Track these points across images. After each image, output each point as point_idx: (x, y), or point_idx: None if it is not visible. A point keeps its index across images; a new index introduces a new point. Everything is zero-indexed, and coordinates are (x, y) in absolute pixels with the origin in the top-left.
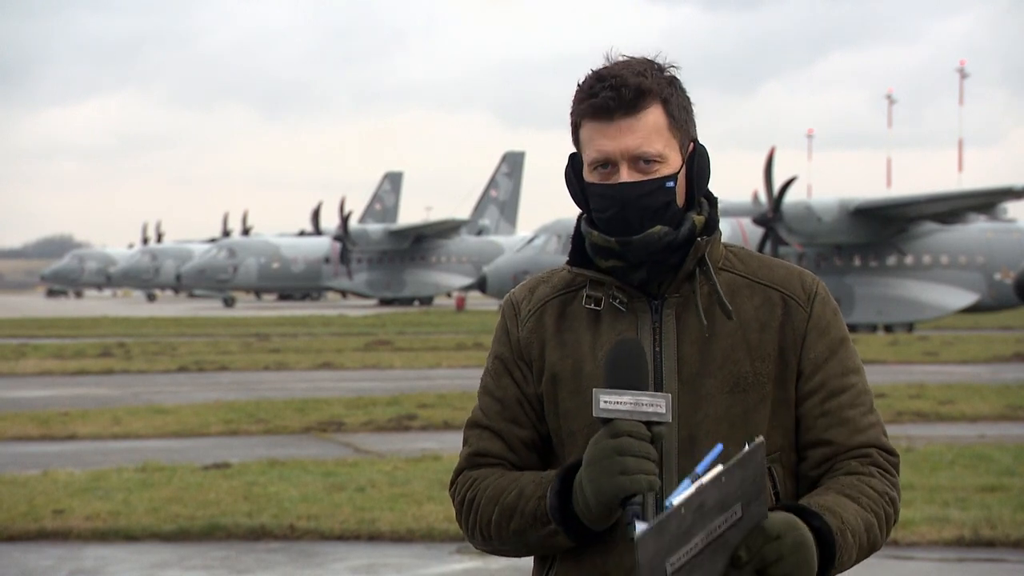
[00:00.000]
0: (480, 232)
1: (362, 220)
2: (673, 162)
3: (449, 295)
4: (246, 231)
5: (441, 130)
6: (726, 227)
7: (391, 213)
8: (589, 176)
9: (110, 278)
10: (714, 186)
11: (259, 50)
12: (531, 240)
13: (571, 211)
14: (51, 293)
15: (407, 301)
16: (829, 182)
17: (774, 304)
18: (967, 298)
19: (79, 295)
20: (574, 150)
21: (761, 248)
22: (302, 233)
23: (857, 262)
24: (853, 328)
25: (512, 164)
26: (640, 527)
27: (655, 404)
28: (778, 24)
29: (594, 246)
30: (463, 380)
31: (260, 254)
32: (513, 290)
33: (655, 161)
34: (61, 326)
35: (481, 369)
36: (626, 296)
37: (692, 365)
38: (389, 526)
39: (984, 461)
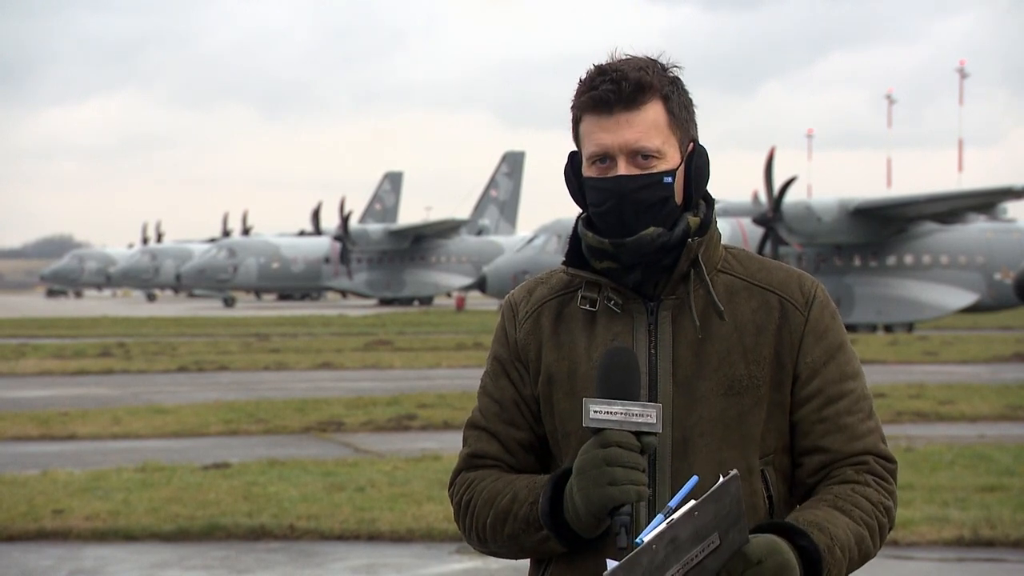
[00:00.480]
0: (480, 232)
1: (362, 220)
2: (671, 159)
3: (449, 295)
4: (246, 231)
5: (441, 130)
6: (726, 227)
7: (391, 213)
8: (587, 171)
9: (110, 278)
10: (714, 186)
11: (259, 50)
12: (531, 240)
13: (571, 211)
14: (51, 293)
15: (407, 301)
16: (829, 182)
17: (771, 307)
18: (967, 298)
19: (79, 295)
20: (574, 148)
21: (761, 248)
22: (302, 233)
23: (857, 262)
24: (853, 328)
25: (512, 164)
26: (611, 565)
27: (645, 414)
28: (778, 24)
29: (589, 247)
30: (463, 380)
31: (260, 254)
32: (512, 291)
33: (653, 156)
34: (61, 326)
35: (481, 369)
36: (621, 298)
37: (687, 367)
38: (389, 526)
39: (984, 461)
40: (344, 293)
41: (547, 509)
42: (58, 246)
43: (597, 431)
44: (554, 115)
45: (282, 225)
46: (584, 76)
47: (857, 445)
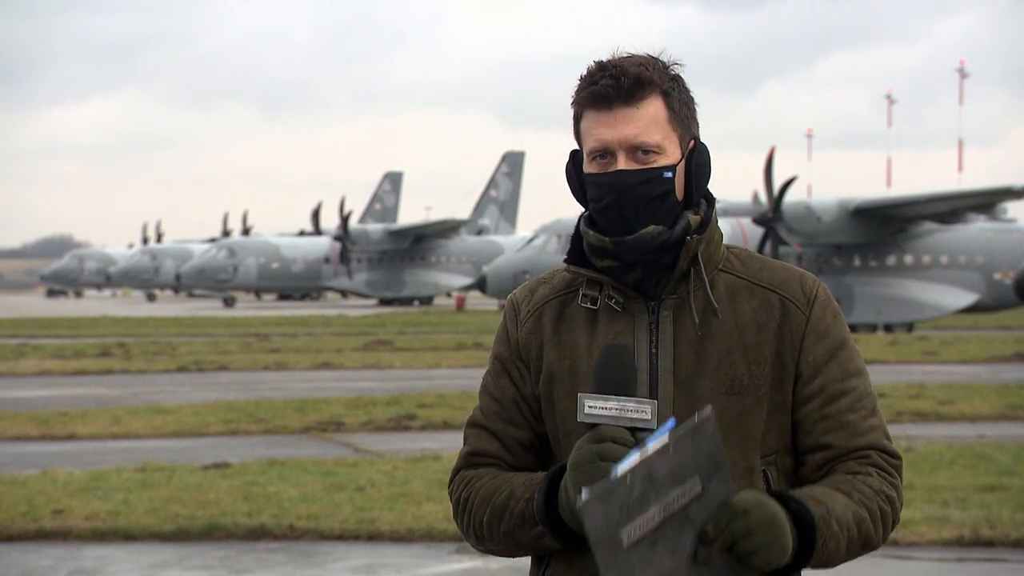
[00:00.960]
0: (480, 232)
1: (362, 220)
2: (671, 154)
3: (449, 295)
4: (246, 231)
5: (441, 130)
6: (726, 227)
7: (391, 213)
8: (588, 167)
9: (110, 278)
10: (714, 186)
11: (259, 50)
12: (531, 240)
13: (571, 211)
14: (51, 293)
15: (407, 301)
16: (829, 182)
17: (772, 307)
18: (967, 298)
19: (79, 295)
20: (575, 147)
21: (761, 248)
22: (302, 233)
23: (857, 262)
24: (853, 328)
25: (512, 164)
26: (585, 494)
27: (640, 410)
28: (778, 24)
29: (590, 245)
30: (463, 380)
31: (260, 254)
32: (515, 290)
33: (653, 151)
34: (61, 326)
35: (481, 369)
36: (622, 296)
37: (688, 367)
38: (389, 526)
39: (984, 461)
40: (344, 293)
41: (542, 505)
42: (58, 246)
43: (592, 427)
44: (554, 115)
45: (282, 225)
46: (584, 72)
47: (860, 441)
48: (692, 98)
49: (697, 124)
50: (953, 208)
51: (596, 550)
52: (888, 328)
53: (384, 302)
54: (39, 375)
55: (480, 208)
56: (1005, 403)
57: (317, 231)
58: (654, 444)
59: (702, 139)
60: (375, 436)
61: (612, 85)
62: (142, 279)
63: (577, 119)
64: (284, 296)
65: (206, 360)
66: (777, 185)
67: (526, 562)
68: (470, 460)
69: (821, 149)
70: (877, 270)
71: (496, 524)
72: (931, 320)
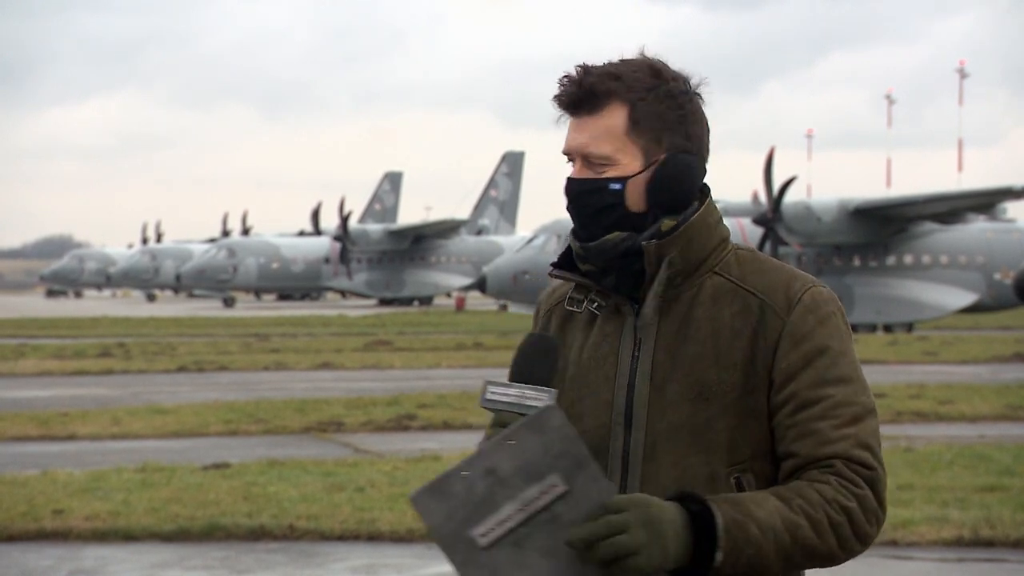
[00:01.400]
0: (480, 232)
1: (362, 220)
2: (626, 166)
3: (449, 295)
4: (246, 231)
5: (441, 130)
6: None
7: (391, 213)
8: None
9: (110, 278)
10: (714, 186)
11: (259, 50)
12: (531, 240)
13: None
14: (51, 293)
15: (407, 301)
16: (829, 182)
17: (750, 312)
18: (967, 298)
19: (79, 295)
20: None
21: (761, 247)
22: (302, 233)
23: (857, 262)
24: (853, 328)
25: (512, 164)
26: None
27: (538, 398)
28: (778, 24)
29: (574, 253)
30: (463, 380)
31: (260, 254)
32: (545, 289)
33: (603, 162)
34: (61, 326)
35: (481, 369)
36: (606, 300)
37: (663, 370)
38: (389, 526)
39: (983, 461)
40: (344, 293)
41: None
42: (58, 246)
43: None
44: (554, 115)
45: (282, 225)
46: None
47: (825, 450)
48: (682, 109)
49: (686, 135)
50: (953, 208)
51: (446, 550)
52: (888, 328)
53: (384, 302)
54: (39, 375)
55: (480, 208)
56: (1005, 403)
57: (317, 231)
58: (493, 439)
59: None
60: (375, 436)
61: (570, 92)
62: (142, 279)
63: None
64: (284, 296)
65: (206, 360)
66: (777, 185)
67: None
68: None
69: (821, 149)
70: (877, 270)
71: None
72: (931, 320)
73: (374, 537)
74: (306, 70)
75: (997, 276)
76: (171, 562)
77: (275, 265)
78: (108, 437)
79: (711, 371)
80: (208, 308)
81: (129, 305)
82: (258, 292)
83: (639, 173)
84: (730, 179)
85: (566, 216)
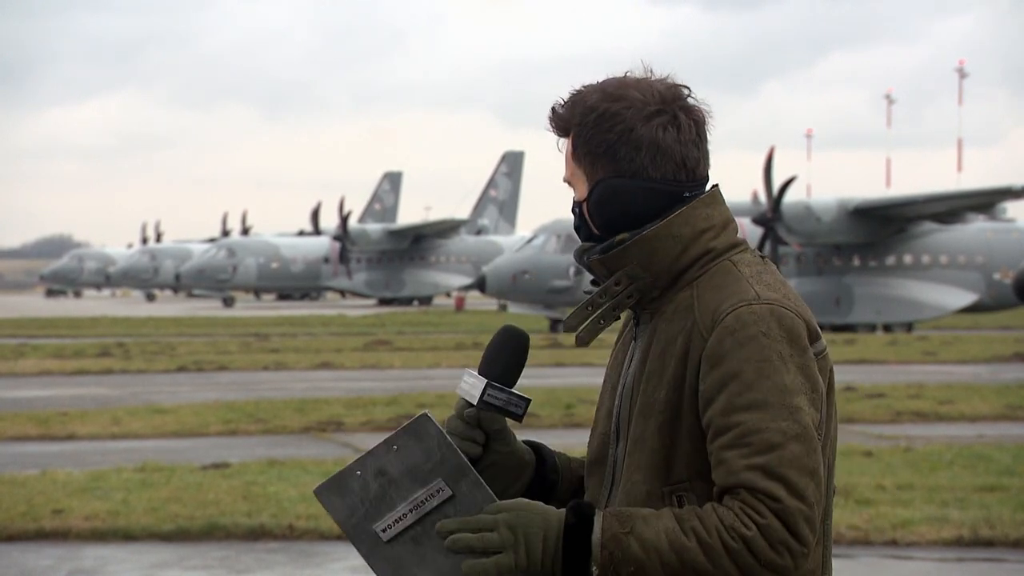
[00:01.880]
0: (479, 232)
1: (361, 220)
2: (579, 190)
3: (448, 295)
4: (245, 231)
5: (441, 130)
6: None
7: (390, 213)
8: None
9: (109, 278)
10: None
11: (259, 50)
12: (530, 240)
13: (571, 211)
14: (50, 293)
15: (406, 301)
16: (828, 182)
17: (686, 330)
18: (966, 298)
19: (78, 295)
20: None
21: (760, 247)
22: (301, 233)
23: (856, 262)
24: (852, 328)
25: (511, 164)
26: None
27: (476, 387)
28: (778, 24)
29: None
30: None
31: (259, 254)
32: None
33: (571, 186)
34: (60, 326)
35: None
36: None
37: (637, 383)
38: None
39: (983, 461)
40: (343, 293)
41: None
42: (58, 246)
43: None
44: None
45: (281, 225)
46: None
47: (731, 480)
48: (611, 132)
49: (611, 158)
50: (953, 208)
51: (353, 541)
52: (888, 328)
53: (383, 302)
54: (39, 375)
55: (480, 208)
56: (1005, 403)
57: (316, 231)
58: (378, 443)
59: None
60: (375, 436)
61: (550, 120)
62: (142, 279)
63: None
64: (283, 296)
65: (206, 360)
66: (776, 185)
67: None
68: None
69: (821, 149)
70: (877, 270)
71: None
72: (931, 320)
73: None
74: (306, 70)
75: (997, 276)
76: (170, 562)
77: (275, 265)
78: (108, 437)
79: (657, 389)
80: (208, 308)
81: (129, 305)
82: (258, 292)
83: (586, 199)
84: (730, 179)
85: (566, 216)
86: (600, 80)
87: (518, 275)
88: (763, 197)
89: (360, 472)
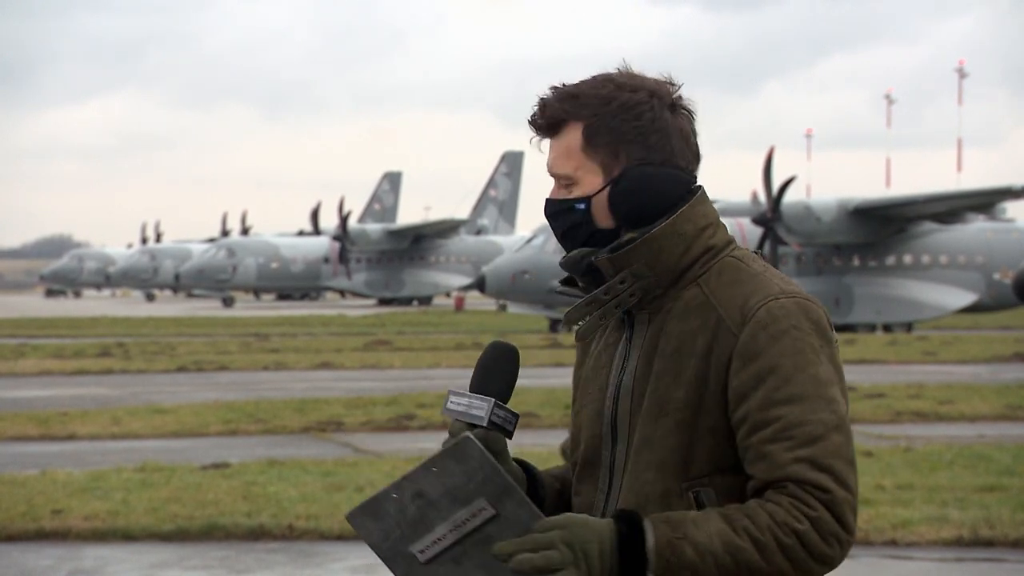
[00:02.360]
0: (479, 232)
1: (361, 220)
2: (587, 184)
3: (448, 295)
4: (245, 231)
5: (441, 130)
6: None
7: (390, 213)
8: None
9: (109, 278)
10: (714, 186)
11: (259, 50)
12: (530, 240)
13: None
14: (50, 293)
15: (406, 301)
16: (828, 182)
17: (708, 327)
18: (966, 298)
19: (78, 295)
20: None
21: (760, 247)
22: (301, 233)
23: (856, 262)
24: (852, 328)
25: (511, 164)
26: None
27: (480, 407)
28: (778, 24)
29: None
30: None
31: (259, 254)
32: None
33: (568, 182)
34: (60, 326)
35: None
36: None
37: (641, 384)
38: None
39: (983, 461)
40: (343, 293)
41: None
42: (58, 246)
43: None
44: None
45: (281, 225)
46: None
47: (777, 473)
48: (640, 120)
49: (642, 145)
50: (952, 208)
51: (388, 564)
52: (888, 328)
53: (383, 302)
54: (39, 375)
55: (479, 208)
56: (1005, 403)
57: (316, 231)
58: (417, 466)
59: (701, 140)
60: (375, 436)
61: (535, 116)
62: (141, 279)
63: None
64: (283, 296)
65: (205, 360)
66: (776, 185)
67: None
68: (563, 455)
69: (820, 149)
70: (877, 270)
71: None
72: (931, 320)
73: None
74: (306, 70)
75: (996, 276)
76: (170, 562)
77: (274, 265)
78: (108, 437)
79: (672, 388)
80: (207, 308)
81: (128, 305)
82: (257, 292)
83: (601, 190)
84: (730, 179)
85: None
86: (585, 79)
87: (518, 275)
88: (763, 197)
89: (396, 495)
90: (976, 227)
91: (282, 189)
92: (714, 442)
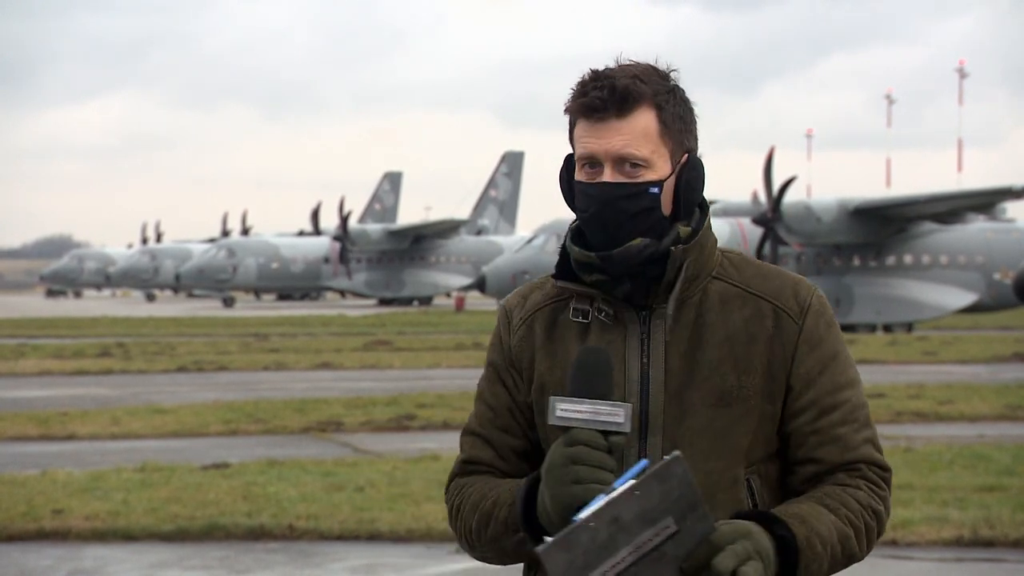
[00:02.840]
0: (479, 232)
1: (361, 220)
2: (660, 169)
3: (448, 295)
4: (245, 231)
5: (441, 130)
6: (725, 227)
7: (390, 213)
8: (578, 174)
9: (109, 278)
10: (714, 186)
11: (260, 51)
12: (530, 240)
13: (570, 212)
14: (50, 293)
15: (406, 301)
16: (829, 182)
17: (764, 316)
18: (966, 298)
19: (78, 295)
20: (571, 151)
21: (760, 247)
22: (301, 233)
23: (856, 262)
24: (852, 328)
25: (511, 164)
26: (547, 541)
27: (613, 413)
28: (778, 24)
29: (576, 262)
30: (462, 380)
31: (259, 254)
32: (508, 296)
33: (640, 165)
34: (60, 326)
35: (480, 369)
36: (612, 308)
37: (678, 377)
38: (388, 526)
39: (983, 461)
40: (343, 293)
41: (521, 510)
42: (58, 246)
43: (566, 430)
44: (554, 115)
45: (281, 225)
46: (578, 80)
47: (851, 455)
48: (691, 111)
49: (694, 137)
50: (953, 208)
51: None
52: (888, 328)
53: (383, 302)
54: (39, 375)
55: (480, 208)
56: (1005, 403)
57: (316, 231)
58: (620, 488)
59: (701, 141)
60: (374, 436)
61: (602, 97)
62: (141, 279)
63: (572, 126)
64: (283, 296)
65: (205, 360)
66: (777, 185)
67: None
68: (464, 468)
69: (821, 149)
70: (877, 270)
71: (483, 531)
72: (931, 320)
73: (373, 537)
74: (306, 70)
75: (997, 276)
76: (170, 562)
77: (275, 265)
78: (108, 437)
79: (731, 376)
80: (207, 308)
81: (129, 305)
82: (258, 292)
83: (669, 176)
84: (730, 179)
85: (566, 216)
86: (625, 63)
87: (518, 275)
88: (763, 197)
89: (594, 523)
90: (976, 227)
91: (282, 189)
92: (770, 428)
